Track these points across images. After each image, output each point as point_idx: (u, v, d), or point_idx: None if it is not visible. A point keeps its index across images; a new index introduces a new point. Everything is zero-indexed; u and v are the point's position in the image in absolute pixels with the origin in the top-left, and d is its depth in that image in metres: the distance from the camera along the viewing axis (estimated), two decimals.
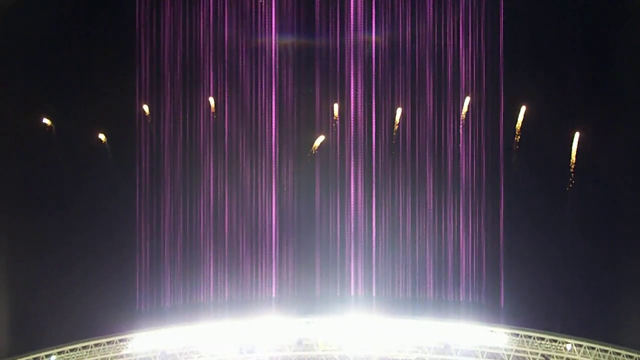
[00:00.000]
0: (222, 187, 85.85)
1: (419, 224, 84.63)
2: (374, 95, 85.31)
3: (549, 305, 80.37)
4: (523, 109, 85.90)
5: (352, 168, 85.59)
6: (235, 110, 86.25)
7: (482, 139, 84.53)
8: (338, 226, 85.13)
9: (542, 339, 71.50)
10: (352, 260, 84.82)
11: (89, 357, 70.66)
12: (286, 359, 72.72)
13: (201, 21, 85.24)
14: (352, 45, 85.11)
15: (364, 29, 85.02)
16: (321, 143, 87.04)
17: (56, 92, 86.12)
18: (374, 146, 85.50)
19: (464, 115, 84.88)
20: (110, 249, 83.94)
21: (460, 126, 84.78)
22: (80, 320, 77.60)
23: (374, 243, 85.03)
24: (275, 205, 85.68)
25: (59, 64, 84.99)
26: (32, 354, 69.99)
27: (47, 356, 70.12)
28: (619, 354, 70.43)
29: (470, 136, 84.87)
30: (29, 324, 79.33)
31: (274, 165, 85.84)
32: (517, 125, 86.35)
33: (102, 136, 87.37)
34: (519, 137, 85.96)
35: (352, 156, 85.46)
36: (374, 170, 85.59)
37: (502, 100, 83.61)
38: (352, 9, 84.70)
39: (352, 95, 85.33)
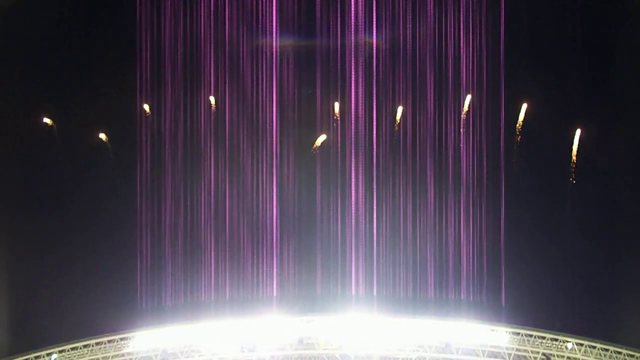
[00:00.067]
0: (223, 186, 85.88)
1: (420, 223, 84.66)
2: (374, 93, 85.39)
3: (550, 304, 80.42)
4: (524, 106, 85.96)
5: (353, 167, 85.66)
6: (236, 110, 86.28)
7: (482, 137, 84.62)
8: (339, 225, 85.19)
9: (543, 337, 71.50)
10: (353, 259, 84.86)
11: (90, 356, 70.62)
12: (287, 358, 72.71)
13: (202, 20, 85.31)
14: (352, 44, 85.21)
15: (365, 27, 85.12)
16: (322, 142, 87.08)
17: (57, 92, 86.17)
18: (374, 145, 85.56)
19: (465, 114, 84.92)
20: (111, 247, 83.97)
21: (461, 125, 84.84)
22: (82, 318, 77.61)
23: (374, 242, 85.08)
24: (276, 204, 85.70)
25: (60, 64, 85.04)
26: (34, 353, 69.95)
27: (48, 354, 70.08)
28: (619, 352, 70.42)
29: (471, 135, 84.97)
30: (31, 323, 79.32)
31: (275, 164, 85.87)
32: (517, 124, 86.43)
33: (103, 135, 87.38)
34: (519, 137, 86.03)
35: (353, 155, 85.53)
36: (374, 169, 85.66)
37: (503, 98, 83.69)
38: (352, 7, 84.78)
39: (352, 94, 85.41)
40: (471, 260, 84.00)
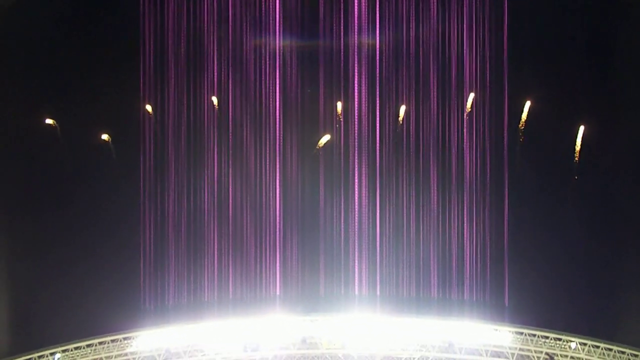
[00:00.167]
0: (226, 186, 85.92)
1: (423, 223, 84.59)
2: (378, 92, 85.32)
3: (554, 303, 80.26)
4: (527, 104, 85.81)
5: (356, 166, 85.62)
6: (239, 110, 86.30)
7: (486, 136, 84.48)
8: (342, 225, 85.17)
9: (547, 337, 71.37)
10: (356, 259, 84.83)
11: (93, 355, 70.70)
12: (290, 358, 72.74)
13: (205, 20, 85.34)
14: (355, 43, 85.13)
15: (368, 27, 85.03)
16: (326, 142, 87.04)
17: (59, 92, 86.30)
18: (378, 144, 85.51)
19: (468, 113, 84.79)
20: (114, 247, 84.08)
21: (465, 123, 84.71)
22: (85, 318, 77.70)
23: (378, 242, 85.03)
24: (280, 204, 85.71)
25: (62, 64, 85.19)
26: (37, 352, 70.06)
27: (51, 354, 70.17)
28: (623, 352, 70.27)
29: (475, 134, 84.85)
30: (34, 323, 79.47)
31: (278, 164, 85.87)
32: (520, 122, 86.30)
33: (105, 136, 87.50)
34: (522, 138, 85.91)
35: (357, 154, 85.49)
36: (378, 168, 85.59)
37: (506, 96, 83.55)
38: (355, 6, 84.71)
39: (356, 93, 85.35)
40: (474, 259, 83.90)
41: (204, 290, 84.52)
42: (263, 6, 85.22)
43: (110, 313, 78.42)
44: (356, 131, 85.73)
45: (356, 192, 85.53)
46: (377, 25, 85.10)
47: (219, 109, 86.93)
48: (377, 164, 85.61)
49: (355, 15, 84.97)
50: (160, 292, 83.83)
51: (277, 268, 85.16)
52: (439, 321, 73.02)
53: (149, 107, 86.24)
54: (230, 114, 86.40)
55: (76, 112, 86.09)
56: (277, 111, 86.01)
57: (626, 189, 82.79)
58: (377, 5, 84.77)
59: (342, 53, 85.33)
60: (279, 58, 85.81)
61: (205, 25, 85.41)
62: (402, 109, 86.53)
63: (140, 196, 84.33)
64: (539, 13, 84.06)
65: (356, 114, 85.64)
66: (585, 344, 70.73)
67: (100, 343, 71.00)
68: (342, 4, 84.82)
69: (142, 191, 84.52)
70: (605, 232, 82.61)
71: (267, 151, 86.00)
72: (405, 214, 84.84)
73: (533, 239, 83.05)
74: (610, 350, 70.35)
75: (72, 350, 70.72)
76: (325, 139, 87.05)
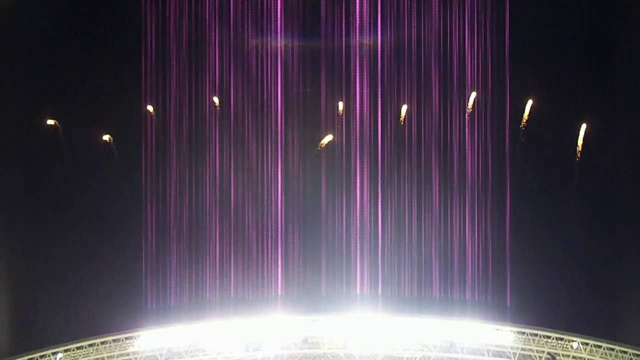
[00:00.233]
0: (228, 186, 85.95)
1: (425, 222, 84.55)
2: (379, 92, 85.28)
3: (555, 303, 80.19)
4: (529, 103, 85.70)
5: (357, 166, 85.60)
6: (241, 110, 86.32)
7: (487, 135, 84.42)
8: (344, 224, 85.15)
9: (549, 337, 71.30)
10: (358, 259, 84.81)
11: (95, 355, 70.80)
12: (292, 357, 72.76)
13: (206, 20, 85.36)
14: (357, 42, 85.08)
15: (369, 26, 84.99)
16: (328, 142, 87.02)
17: (61, 93, 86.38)
18: (379, 143, 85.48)
19: (470, 111, 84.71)
20: (116, 247, 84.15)
21: (466, 122, 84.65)
22: (87, 318, 77.83)
23: (379, 241, 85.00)
24: (281, 204, 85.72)
25: (63, 64, 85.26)
26: (39, 352, 70.17)
27: (53, 354, 70.29)
28: (625, 352, 70.18)
29: (476, 133, 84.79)
30: (36, 322, 79.57)
31: (279, 163, 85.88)
32: (522, 122, 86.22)
33: (107, 136, 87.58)
34: (523, 139, 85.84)
35: (358, 154, 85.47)
36: (379, 168, 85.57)
37: (508, 95, 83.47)
38: (357, 5, 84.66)
39: (357, 92, 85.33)
40: (476, 259, 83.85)
41: (206, 290, 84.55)
42: (265, 5, 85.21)
43: (112, 313, 78.52)
44: (358, 130, 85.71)
45: (358, 191, 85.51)
46: (379, 25, 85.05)
47: (221, 108, 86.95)
48: (379, 164, 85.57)
49: (357, 15, 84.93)
50: (162, 291, 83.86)
51: (279, 268, 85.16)
52: (441, 321, 72.98)
53: (150, 108, 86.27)
54: (231, 113, 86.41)
55: (77, 112, 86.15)
56: (279, 111, 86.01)
57: (628, 189, 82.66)
58: (379, 5, 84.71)
59: (343, 52, 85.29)
60: (281, 57, 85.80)
61: (207, 25, 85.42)
62: (404, 109, 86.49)
63: (142, 197, 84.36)
64: (540, 12, 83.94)
65: (358, 113, 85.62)
66: (587, 344, 70.65)
67: (102, 343, 71.11)
68: (343, 3, 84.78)
69: (144, 191, 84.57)
70: (607, 232, 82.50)
71: (269, 151, 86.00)
72: (406, 214, 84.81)
73: (535, 239, 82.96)
74: (612, 350, 70.26)
75: (74, 350, 70.82)
76: (327, 138, 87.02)
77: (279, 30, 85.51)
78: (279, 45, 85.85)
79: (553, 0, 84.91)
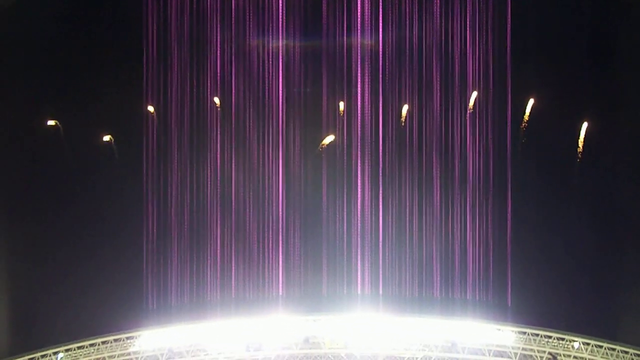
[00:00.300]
0: (229, 186, 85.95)
1: (426, 222, 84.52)
2: (380, 91, 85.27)
3: (557, 303, 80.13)
4: (531, 102, 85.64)
5: (359, 165, 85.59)
6: (242, 110, 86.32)
7: (489, 135, 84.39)
8: (345, 224, 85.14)
9: (550, 337, 71.27)
10: (359, 259, 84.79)
11: (96, 355, 70.81)
12: (293, 357, 72.73)
13: (207, 20, 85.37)
14: (358, 41, 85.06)
15: (371, 25, 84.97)
16: (330, 142, 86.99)
17: (62, 93, 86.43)
18: (380, 143, 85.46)
19: (471, 110, 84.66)
20: (117, 247, 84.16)
21: (467, 122, 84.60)
22: (88, 318, 77.81)
23: (380, 241, 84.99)
24: (283, 204, 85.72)
25: (64, 65, 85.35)
26: (40, 352, 70.18)
27: (55, 354, 70.31)
28: (626, 352, 70.10)
29: (477, 133, 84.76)
30: (37, 322, 79.55)
31: (281, 163, 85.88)
32: (523, 121, 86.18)
33: (108, 136, 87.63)
34: (524, 140, 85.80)
35: (360, 153, 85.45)
36: (380, 167, 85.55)
37: (509, 94, 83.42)
38: (359, 5, 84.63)
39: (358, 91, 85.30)
40: (477, 259, 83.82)
41: (207, 289, 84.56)
42: (266, 5, 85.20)
43: (113, 312, 78.53)
44: (359, 130, 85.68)
45: (359, 191, 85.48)
46: (380, 24, 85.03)
47: (222, 108, 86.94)
48: (380, 163, 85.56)
49: (359, 14, 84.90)
50: (163, 291, 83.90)
51: (280, 268, 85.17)
52: (442, 321, 72.94)
53: (150, 108, 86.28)
54: (233, 113, 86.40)
55: (78, 112, 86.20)
56: (280, 111, 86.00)
57: (630, 189, 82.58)
58: (380, 4, 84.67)
59: (345, 52, 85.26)
60: (282, 57, 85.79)
61: (208, 25, 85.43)
62: (405, 108, 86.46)
63: (143, 197, 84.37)
64: (541, 11, 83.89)
65: (359, 113, 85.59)
66: (588, 344, 70.60)
67: (103, 342, 71.13)
68: (344, 3, 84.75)
69: (145, 191, 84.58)
70: (608, 232, 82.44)
71: (270, 151, 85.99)
72: (407, 213, 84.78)
73: (536, 239, 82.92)
74: (614, 350, 70.19)
75: (75, 349, 70.85)
76: (329, 139, 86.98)
77: (280, 30, 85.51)
78: (280, 45, 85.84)
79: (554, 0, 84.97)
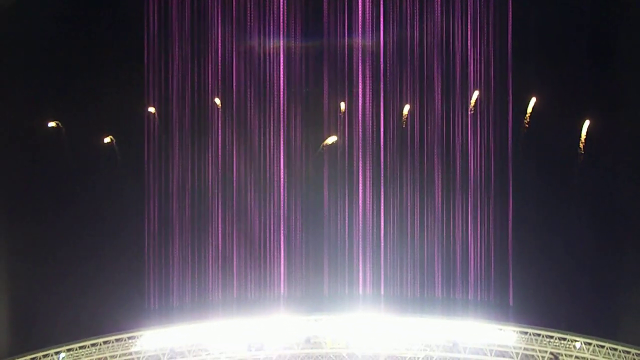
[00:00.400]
0: (230, 186, 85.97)
1: (427, 222, 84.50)
2: (382, 90, 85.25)
3: (558, 303, 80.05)
4: (532, 101, 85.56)
5: (360, 165, 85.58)
6: (243, 110, 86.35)
7: (490, 134, 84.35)
8: (346, 224, 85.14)
9: (551, 337, 71.22)
10: (361, 259, 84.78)
11: (98, 354, 70.88)
12: (294, 357, 72.77)
13: (209, 20, 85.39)
14: (359, 40, 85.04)
15: (372, 25, 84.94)
16: (332, 143, 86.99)
17: (63, 94, 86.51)
18: (382, 143, 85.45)
19: (472, 108, 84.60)
20: (119, 247, 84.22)
21: (469, 121, 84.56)
22: (90, 317, 77.87)
23: (382, 241, 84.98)
24: (284, 203, 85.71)
25: (66, 66, 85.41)
26: (42, 351, 70.27)
27: (56, 353, 70.39)
28: (628, 352, 70.02)
29: (479, 132, 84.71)
30: (39, 322, 79.61)
31: (282, 163, 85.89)
32: (525, 120, 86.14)
33: (110, 137, 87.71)
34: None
35: (361, 153, 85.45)
36: (382, 167, 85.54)
37: (511, 94, 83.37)
38: (360, 4, 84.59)
39: (360, 90, 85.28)
40: (479, 259, 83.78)
41: (208, 289, 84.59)
42: (267, 6, 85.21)
43: (114, 312, 78.57)
44: (360, 130, 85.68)
45: (360, 191, 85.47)
46: (381, 24, 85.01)
47: (223, 109, 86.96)
48: (382, 163, 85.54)
49: (360, 13, 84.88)
50: (164, 291, 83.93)
51: (282, 267, 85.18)
52: (443, 321, 72.95)
53: (152, 109, 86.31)
54: (234, 114, 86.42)
55: (80, 113, 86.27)
56: (281, 111, 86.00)
57: (631, 189, 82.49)
58: (381, 4, 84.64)
59: (346, 52, 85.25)
60: (283, 58, 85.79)
61: (209, 26, 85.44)
62: (406, 108, 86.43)
63: (145, 196, 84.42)
64: (542, 10, 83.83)
65: (360, 113, 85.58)
66: (590, 344, 70.52)
67: (104, 342, 71.19)
68: (346, 3, 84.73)
69: (146, 192, 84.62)
70: (610, 231, 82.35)
71: (271, 151, 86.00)
72: (409, 213, 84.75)
73: (537, 238, 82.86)
74: (615, 350, 70.12)
75: (76, 349, 70.92)
76: (331, 139, 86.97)
77: (281, 31, 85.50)
78: (281, 45, 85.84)
79: None
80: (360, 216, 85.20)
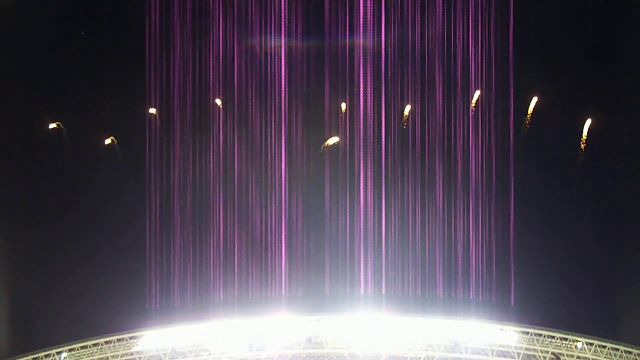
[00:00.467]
0: (232, 186, 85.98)
1: (429, 222, 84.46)
2: (383, 90, 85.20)
3: (560, 303, 80.00)
4: (534, 100, 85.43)
5: (361, 165, 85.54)
6: (244, 110, 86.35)
7: (491, 134, 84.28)
8: (348, 224, 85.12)
9: (553, 337, 71.15)
10: (362, 258, 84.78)
11: (99, 354, 70.96)
12: (296, 357, 72.80)
13: (210, 20, 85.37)
14: (360, 40, 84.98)
15: (373, 25, 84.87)
16: (334, 143, 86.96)
17: (65, 95, 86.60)
18: (383, 143, 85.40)
19: (473, 108, 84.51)
20: (120, 247, 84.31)
21: (470, 121, 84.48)
22: (91, 317, 77.97)
23: (383, 241, 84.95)
24: (285, 203, 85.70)
25: (67, 66, 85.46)
26: (44, 351, 70.38)
27: (58, 353, 70.48)
28: (630, 352, 69.98)
29: (480, 132, 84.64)
30: (41, 322, 79.74)
31: (283, 163, 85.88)
32: (526, 119, 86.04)
33: (111, 138, 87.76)
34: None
35: (362, 153, 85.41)
36: (383, 167, 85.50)
37: (512, 93, 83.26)
38: (361, 3, 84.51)
39: (361, 90, 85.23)
40: (480, 259, 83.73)
41: (210, 289, 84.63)
42: (268, 6, 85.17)
43: (116, 312, 78.66)
44: (361, 130, 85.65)
45: (361, 190, 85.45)
46: (383, 23, 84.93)
47: (224, 110, 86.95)
48: (383, 163, 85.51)
49: (361, 13, 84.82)
50: (165, 291, 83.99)
51: (283, 267, 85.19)
52: (445, 321, 72.91)
53: (153, 110, 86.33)
54: (235, 114, 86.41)
55: (81, 114, 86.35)
56: (283, 111, 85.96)
57: (633, 188, 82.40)
58: (383, 4, 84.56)
59: (347, 51, 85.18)
60: (284, 57, 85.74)
61: (211, 26, 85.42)
62: (407, 108, 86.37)
63: (146, 197, 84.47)
64: (544, 9, 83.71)
65: (361, 113, 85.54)
66: (591, 344, 70.46)
67: (106, 342, 71.26)
68: (347, 3, 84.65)
69: (148, 192, 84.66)
70: (611, 232, 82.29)
71: (272, 151, 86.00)
72: (410, 213, 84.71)
73: (539, 238, 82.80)
74: (617, 350, 70.06)
75: (78, 349, 71.01)
76: (333, 140, 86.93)
77: (282, 31, 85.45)
78: (282, 45, 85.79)
79: None
80: (362, 216, 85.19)
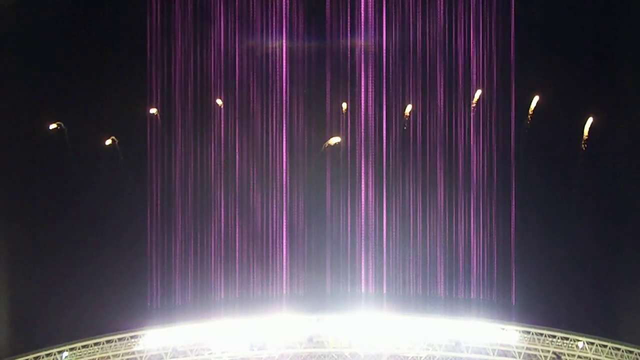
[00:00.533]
0: (233, 186, 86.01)
1: (430, 221, 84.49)
2: (384, 89, 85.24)
3: (561, 302, 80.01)
4: (535, 99, 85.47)
5: (362, 165, 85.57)
6: (245, 111, 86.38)
7: (492, 134, 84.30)
8: (349, 223, 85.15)
9: (554, 336, 71.16)
10: (363, 258, 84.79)
11: (100, 354, 71.02)
12: (297, 356, 72.82)
13: (211, 21, 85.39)
14: (362, 39, 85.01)
15: (374, 24, 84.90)
16: (335, 143, 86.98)
17: (66, 95, 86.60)
18: (384, 142, 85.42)
19: (474, 107, 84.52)
20: (121, 247, 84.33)
21: (471, 120, 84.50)
22: (92, 317, 78.01)
23: (384, 240, 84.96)
24: (286, 203, 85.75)
25: (68, 66, 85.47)
26: (44, 350, 70.44)
27: (59, 352, 70.52)
28: (631, 352, 70.01)
29: (481, 131, 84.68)
30: (42, 321, 79.75)
31: (285, 162, 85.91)
32: (528, 118, 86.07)
33: (112, 138, 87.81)
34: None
35: (363, 152, 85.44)
36: (384, 166, 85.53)
37: (513, 92, 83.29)
38: (362, 3, 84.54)
39: (362, 89, 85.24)
40: (481, 258, 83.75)
41: (211, 289, 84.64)
42: (269, 6, 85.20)
43: (117, 312, 78.69)
44: (362, 129, 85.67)
45: (362, 190, 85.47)
46: (384, 22, 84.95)
47: (225, 109, 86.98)
48: (384, 162, 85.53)
49: (362, 13, 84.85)
50: (167, 291, 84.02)
51: (284, 267, 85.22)
52: (446, 320, 72.88)
53: (153, 110, 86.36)
54: (236, 114, 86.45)
55: (82, 114, 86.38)
56: (284, 111, 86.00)
57: (634, 188, 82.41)
58: (384, 3, 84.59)
59: (348, 51, 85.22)
60: (286, 57, 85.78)
61: (212, 26, 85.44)
62: (409, 107, 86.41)
63: (147, 196, 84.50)
64: (545, 8, 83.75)
65: (362, 112, 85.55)
66: (592, 343, 70.48)
67: (107, 341, 71.32)
68: (348, 3, 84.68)
69: (149, 191, 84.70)
70: (612, 231, 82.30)
71: (273, 150, 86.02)
72: (411, 212, 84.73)
73: (540, 237, 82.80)
74: (618, 349, 70.08)
75: (79, 348, 71.06)
76: (334, 140, 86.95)
77: (283, 31, 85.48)
78: (283, 45, 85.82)
79: None
80: (363, 215, 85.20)
